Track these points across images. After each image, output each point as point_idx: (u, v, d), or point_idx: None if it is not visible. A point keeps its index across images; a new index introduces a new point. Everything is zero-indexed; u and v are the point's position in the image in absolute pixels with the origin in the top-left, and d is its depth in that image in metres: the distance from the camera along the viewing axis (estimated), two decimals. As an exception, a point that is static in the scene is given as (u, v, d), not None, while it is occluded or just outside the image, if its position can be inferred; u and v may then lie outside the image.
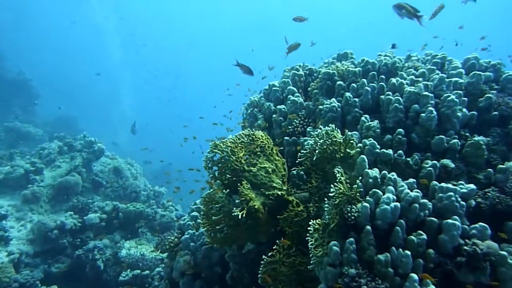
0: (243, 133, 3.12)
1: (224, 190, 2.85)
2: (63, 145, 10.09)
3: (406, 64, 3.64)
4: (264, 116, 3.90)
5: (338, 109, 3.22)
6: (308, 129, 3.37)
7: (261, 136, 3.13)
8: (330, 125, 2.84)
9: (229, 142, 2.99)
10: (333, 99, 3.29)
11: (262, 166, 2.96)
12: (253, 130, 4.12)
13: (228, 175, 2.94)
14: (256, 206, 2.73)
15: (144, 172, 13.28)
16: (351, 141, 2.76)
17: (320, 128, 2.84)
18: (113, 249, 7.10)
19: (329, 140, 2.72)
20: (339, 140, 2.72)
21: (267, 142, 3.09)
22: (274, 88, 3.98)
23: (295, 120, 3.54)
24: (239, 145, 3.01)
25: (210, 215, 3.06)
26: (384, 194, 2.38)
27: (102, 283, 6.66)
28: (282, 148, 3.54)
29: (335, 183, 2.40)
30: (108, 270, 6.77)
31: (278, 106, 3.71)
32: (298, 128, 3.50)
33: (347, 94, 3.22)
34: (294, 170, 3.12)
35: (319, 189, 2.83)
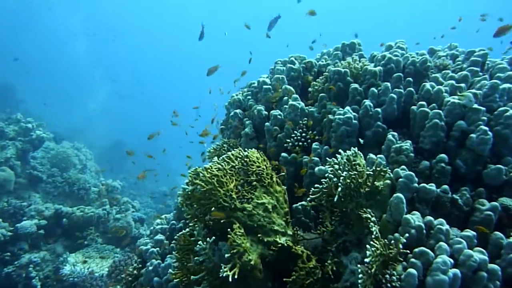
0: (233, 155, 2.42)
1: (208, 238, 2.17)
2: (-9, 131, 8.81)
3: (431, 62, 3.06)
4: (253, 123, 3.20)
5: (355, 121, 2.60)
6: (314, 145, 2.72)
7: (257, 158, 2.44)
8: (352, 149, 2.21)
9: (215, 168, 2.28)
10: (348, 107, 2.65)
11: (259, 202, 2.29)
12: (234, 138, 3.43)
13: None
14: (252, 262, 2.08)
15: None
16: (382, 173, 2.15)
17: (339, 153, 2.20)
18: (54, 263, 6.19)
19: (354, 172, 2.09)
20: (368, 172, 2.10)
21: (265, 168, 2.41)
22: (265, 86, 3.27)
23: (295, 132, 2.88)
24: (229, 172, 2.32)
25: (185, 266, 2.40)
26: (435, 254, 1.81)
27: (40, 307, 5.80)
28: (276, 165, 2.89)
29: (372, 242, 1.79)
30: (48, 290, 5.90)
31: (273, 112, 3.02)
32: (300, 142, 2.85)
33: (367, 102, 2.60)
34: (300, 205, 2.48)
35: (337, 235, 2.22)
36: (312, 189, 2.18)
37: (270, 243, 2.21)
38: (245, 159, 2.40)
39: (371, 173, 2.09)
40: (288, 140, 2.89)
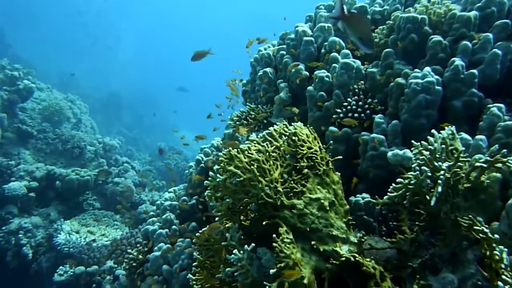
0: (276, 131, 1.83)
1: (246, 246, 1.63)
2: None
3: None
4: (290, 85, 2.57)
5: (438, 87, 1.97)
6: (377, 118, 2.11)
7: (307, 136, 1.85)
8: (448, 127, 1.61)
9: (255, 150, 1.69)
10: (427, 68, 2.01)
11: (313, 196, 1.72)
12: (262, 104, 2.81)
13: (252, 215, 1.71)
14: (305, 280, 1.55)
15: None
16: (501, 164, 1.55)
17: (433, 134, 1.60)
18: (47, 230, 5.76)
19: (456, 163, 1.51)
20: (479, 164, 1.50)
21: (318, 150, 1.83)
22: (305, 38, 2.60)
23: (348, 99, 2.26)
24: (272, 156, 1.73)
25: (210, 271, 1.91)
26: None
27: (30, 277, 5.41)
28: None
29: (504, 276, 1.25)
30: (40, 258, 5.49)
31: (318, 73, 2.38)
32: (355, 114, 2.24)
33: (457, 61, 1.96)
34: (363, 199, 1.92)
35: (420, 245, 1.67)
36: (393, 185, 1.60)
37: (327, 253, 1.68)
38: (293, 137, 1.81)
39: (483, 164, 1.50)
40: (339, 110, 2.28)
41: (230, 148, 1.66)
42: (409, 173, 1.54)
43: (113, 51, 27.74)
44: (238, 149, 1.67)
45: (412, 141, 1.60)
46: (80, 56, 25.11)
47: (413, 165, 1.57)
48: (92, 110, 11.75)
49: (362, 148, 2.15)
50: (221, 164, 1.63)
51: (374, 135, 2.07)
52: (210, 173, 1.67)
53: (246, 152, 1.68)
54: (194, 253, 1.97)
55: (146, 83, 24.77)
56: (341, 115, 2.27)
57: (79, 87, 17.19)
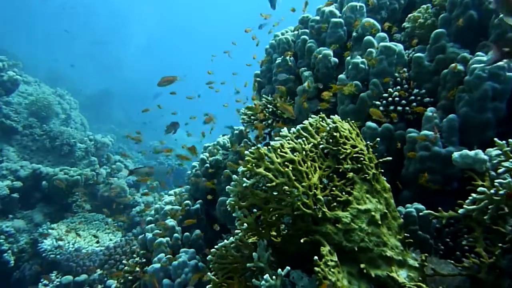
0: (312, 126, 1.50)
1: (279, 270, 1.31)
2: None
3: None
4: (316, 73, 2.24)
5: (509, 73, 1.66)
6: (428, 112, 1.79)
7: (350, 132, 1.52)
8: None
9: (289, 148, 1.37)
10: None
11: (361, 207, 1.40)
12: (279, 100, 2.48)
13: (285, 229, 1.39)
14: (355, 315, 1.24)
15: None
16: None
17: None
18: (32, 234, 5.38)
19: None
20: None
21: (364, 150, 1.50)
22: (333, 20, 2.28)
23: (390, 90, 1.94)
24: (310, 156, 1.40)
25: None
26: None
27: (12, 286, 5.03)
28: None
29: None
30: (23, 266, 5.10)
31: (352, 59, 2.05)
32: (397, 106, 1.92)
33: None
34: (413, 209, 1.60)
35: (503, 272, 1.35)
36: (473, 195, 1.27)
37: (381, 280, 1.35)
38: (334, 133, 1.48)
39: None
40: (378, 103, 1.95)
41: (259, 146, 1.33)
42: (496, 181, 1.21)
43: (107, 47, 27.23)
44: (269, 148, 1.35)
45: (495, 139, 1.28)
46: (72, 51, 24.60)
47: (498, 171, 1.25)
48: (82, 108, 11.32)
49: (408, 147, 1.83)
50: (248, 165, 1.30)
51: (425, 132, 1.75)
52: (234, 176, 1.34)
53: (279, 150, 1.35)
54: (208, 274, 1.63)
55: (141, 80, 24.29)
56: (381, 108, 1.95)
57: (68, 82, 16.74)
